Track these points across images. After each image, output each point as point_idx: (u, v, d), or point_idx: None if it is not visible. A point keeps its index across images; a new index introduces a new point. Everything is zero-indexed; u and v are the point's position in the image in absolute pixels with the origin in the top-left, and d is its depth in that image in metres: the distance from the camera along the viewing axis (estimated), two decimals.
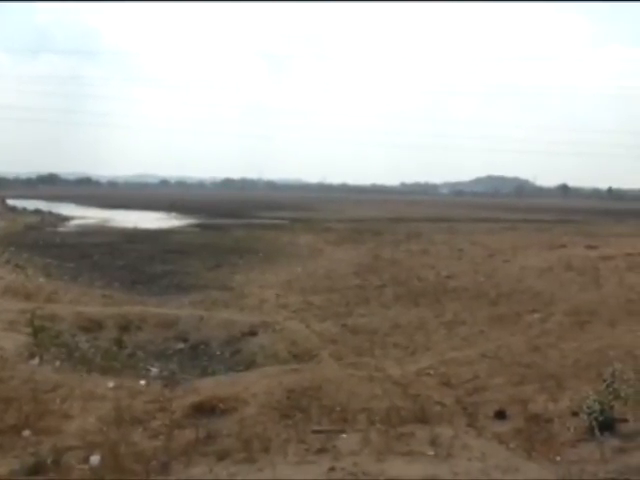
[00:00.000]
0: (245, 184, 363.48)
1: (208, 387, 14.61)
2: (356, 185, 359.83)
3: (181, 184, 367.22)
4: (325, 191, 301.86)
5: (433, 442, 9.95)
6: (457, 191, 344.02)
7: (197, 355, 20.88)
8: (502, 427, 11.56)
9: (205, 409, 12.74)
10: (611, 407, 10.66)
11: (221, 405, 12.90)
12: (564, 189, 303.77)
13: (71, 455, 10.32)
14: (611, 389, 10.83)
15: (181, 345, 21.63)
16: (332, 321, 24.50)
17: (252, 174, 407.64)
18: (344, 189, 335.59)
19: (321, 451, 9.89)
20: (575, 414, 11.39)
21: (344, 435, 10.68)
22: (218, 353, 21.00)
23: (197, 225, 76.84)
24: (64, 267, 38.35)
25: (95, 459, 10.11)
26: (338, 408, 12.62)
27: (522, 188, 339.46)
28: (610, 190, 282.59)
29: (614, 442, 9.92)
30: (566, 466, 9.01)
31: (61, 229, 68.20)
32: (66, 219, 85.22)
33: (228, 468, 9.46)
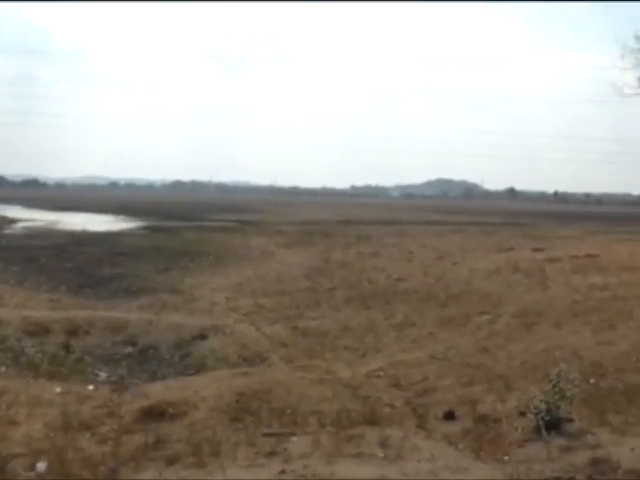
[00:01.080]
0: (195, 186, 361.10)
1: (157, 391, 14.48)
2: (307, 188, 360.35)
3: (131, 186, 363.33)
4: (276, 194, 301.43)
5: (383, 444, 9.99)
6: (407, 194, 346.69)
7: (146, 359, 20.65)
8: (451, 428, 11.66)
9: (154, 414, 12.61)
10: (557, 407, 10.84)
11: (170, 409, 12.79)
12: (511, 192, 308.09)
13: (17, 462, 10.11)
14: (557, 389, 11.00)
15: (130, 349, 21.37)
16: (283, 324, 24.49)
17: (203, 176, 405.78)
18: (295, 192, 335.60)
19: (271, 454, 9.86)
20: (522, 414, 11.55)
21: (294, 438, 10.66)
22: (168, 357, 20.81)
23: (147, 227, 76.04)
24: (9, 270, 37.57)
25: (42, 466, 9.92)
26: (288, 411, 12.61)
27: (470, 191, 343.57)
28: (556, 193, 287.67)
29: (560, 441, 10.09)
30: (514, 466, 9.12)
31: (7, 231, 66.83)
32: (12, 221, 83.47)
33: (178, 473, 9.37)
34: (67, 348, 20.47)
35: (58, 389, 14.53)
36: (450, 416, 12.50)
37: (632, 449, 9.38)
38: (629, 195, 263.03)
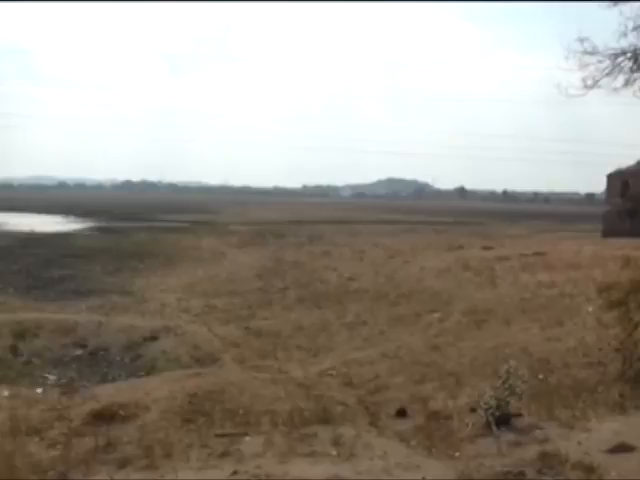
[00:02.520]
0: (146, 186, 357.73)
1: (108, 394, 14.32)
2: (258, 187, 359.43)
3: (80, 186, 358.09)
4: (227, 193, 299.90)
5: (336, 442, 10.01)
6: (359, 193, 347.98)
7: (96, 361, 20.44)
8: (403, 425, 11.74)
9: (105, 416, 12.46)
10: (507, 403, 10.99)
11: (121, 412, 12.66)
12: (461, 191, 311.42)
13: None
14: (507, 385, 11.15)
15: (80, 351, 21.13)
16: (235, 324, 24.42)
17: (153, 176, 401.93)
18: (246, 191, 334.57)
19: (224, 455, 9.81)
20: (473, 410, 11.69)
21: (247, 438, 10.63)
22: (118, 359, 20.63)
23: (96, 228, 75.19)
24: None
25: None
26: (241, 411, 12.58)
27: (421, 190, 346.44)
28: (505, 192, 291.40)
29: (510, 436, 10.23)
30: (465, 461, 9.22)
31: None
32: None
33: (129, 476, 9.27)
34: (15, 351, 20.16)
35: (6, 393, 14.30)
36: (402, 414, 12.60)
37: (579, 443, 9.55)
38: (576, 194, 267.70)
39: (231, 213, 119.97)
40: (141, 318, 25.01)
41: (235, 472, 8.86)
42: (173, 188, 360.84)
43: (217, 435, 10.88)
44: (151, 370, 18.60)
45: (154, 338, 21.86)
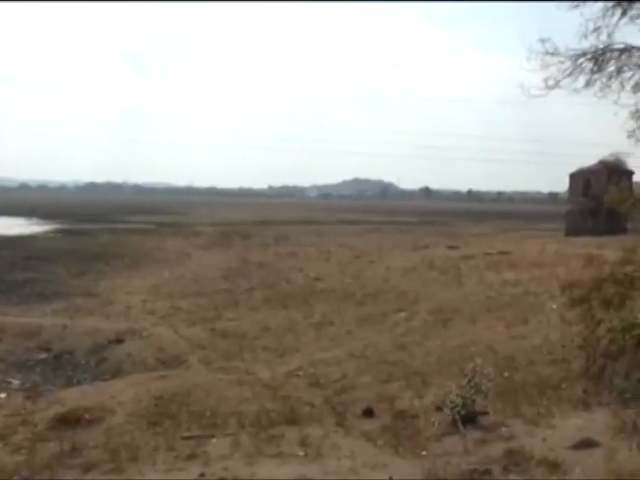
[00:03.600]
0: (110, 188, 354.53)
1: (73, 397, 14.19)
2: (224, 188, 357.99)
3: (42, 188, 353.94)
4: (193, 195, 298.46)
5: (303, 443, 10.02)
6: (325, 194, 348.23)
7: (61, 365, 20.24)
8: (370, 425, 11.77)
9: (70, 420, 12.35)
10: (473, 401, 11.07)
11: (87, 415, 12.55)
12: (426, 191, 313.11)
13: None
14: (472, 384, 11.24)
15: (44, 355, 20.91)
16: (201, 326, 24.32)
17: (117, 177, 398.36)
18: (212, 192, 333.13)
19: (191, 457, 9.76)
20: (439, 409, 11.76)
21: (214, 440, 10.59)
22: (83, 362, 20.44)
23: (60, 230, 74.35)
24: None
25: None
26: (208, 413, 12.53)
27: (387, 190, 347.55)
28: (469, 192, 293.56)
29: (476, 434, 10.31)
30: (432, 460, 9.27)
31: None
32: None
33: None
34: None
35: None
36: (369, 413, 12.63)
37: (544, 439, 9.65)
38: (540, 193, 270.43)
39: (197, 214, 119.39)
40: (106, 321, 24.82)
41: (202, 474, 8.83)
42: (138, 189, 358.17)
43: (183, 438, 10.83)
44: (117, 373, 18.47)
45: (119, 341, 21.71)
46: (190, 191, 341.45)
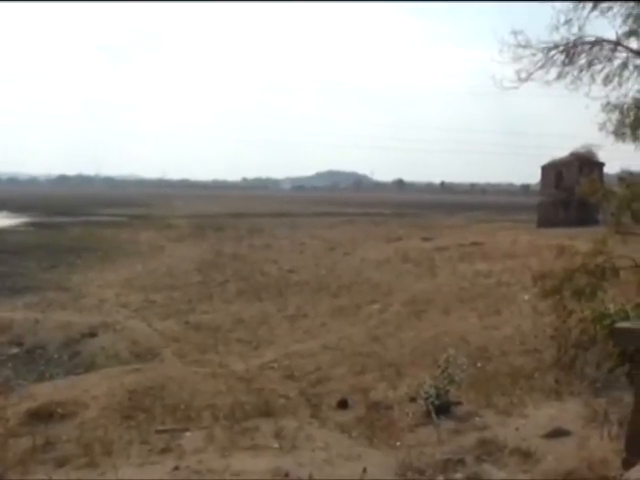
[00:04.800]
0: (81, 180, 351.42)
1: (45, 392, 14.08)
2: (197, 181, 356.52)
3: (12, 180, 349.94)
4: (165, 187, 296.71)
5: (277, 435, 10.02)
6: (298, 186, 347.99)
7: (33, 359, 20.06)
8: (345, 416, 11.81)
9: (42, 415, 12.25)
10: (446, 391, 11.14)
11: (60, 410, 12.46)
12: (400, 183, 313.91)
13: None
14: (446, 374, 11.31)
15: (15, 350, 20.72)
16: (174, 319, 24.24)
17: (89, 170, 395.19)
18: (185, 185, 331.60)
19: (165, 451, 9.73)
20: (413, 400, 11.82)
21: (188, 433, 10.56)
22: (56, 356, 20.28)
23: (31, 224, 73.61)
24: None
25: None
26: (182, 406, 12.50)
27: (360, 182, 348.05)
28: (442, 184, 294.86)
29: (450, 424, 10.37)
30: (405, 450, 9.31)
31: None
32: None
33: (68, 475, 9.13)
34: None
35: None
36: (343, 405, 12.68)
37: (517, 429, 9.73)
38: (512, 185, 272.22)
39: (170, 207, 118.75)
40: (79, 314, 24.63)
41: (176, 468, 8.80)
42: (110, 182, 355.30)
43: (157, 431, 10.79)
44: (90, 367, 18.34)
45: (92, 334, 21.57)
46: (163, 183, 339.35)
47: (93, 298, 28.47)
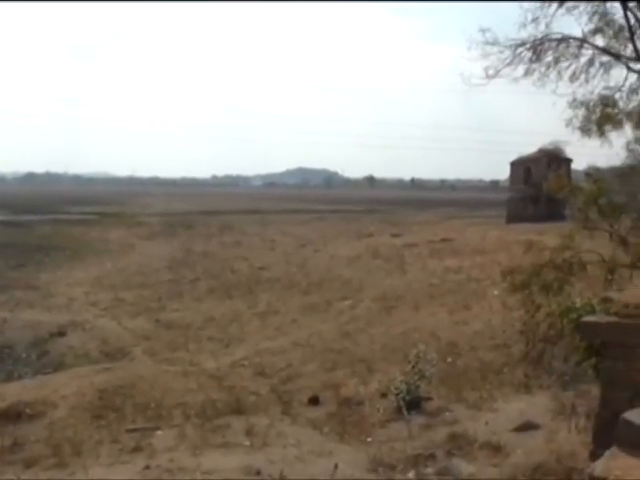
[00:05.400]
0: (50, 178, 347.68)
1: (13, 392, 13.96)
2: (167, 178, 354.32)
3: None
4: (135, 184, 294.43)
5: (249, 432, 10.01)
6: (269, 183, 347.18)
7: (1, 359, 19.89)
8: (316, 413, 11.84)
9: (11, 415, 12.15)
10: (417, 387, 11.21)
11: (28, 410, 12.36)
12: (370, 180, 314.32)
13: None
14: (416, 370, 11.38)
15: None
16: (145, 317, 24.12)
17: (57, 168, 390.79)
18: (155, 182, 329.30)
19: (136, 450, 9.69)
20: (384, 395, 11.87)
21: (159, 432, 10.52)
22: (24, 356, 20.10)
23: None
24: None
25: None
26: (153, 405, 12.45)
27: (331, 179, 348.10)
28: (413, 180, 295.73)
29: (420, 419, 10.44)
30: (377, 446, 9.36)
31: None
32: None
33: (37, 475, 9.05)
34: None
35: None
36: (314, 401, 12.70)
37: (487, 423, 9.81)
38: (482, 181, 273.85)
39: (139, 204, 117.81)
40: (48, 313, 24.42)
41: (147, 467, 8.76)
42: (78, 180, 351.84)
43: (128, 430, 10.74)
44: (59, 366, 18.21)
45: (61, 334, 21.42)
46: (132, 181, 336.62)
47: (62, 297, 28.23)
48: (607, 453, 3.06)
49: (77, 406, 12.41)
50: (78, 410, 12.24)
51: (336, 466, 8.21)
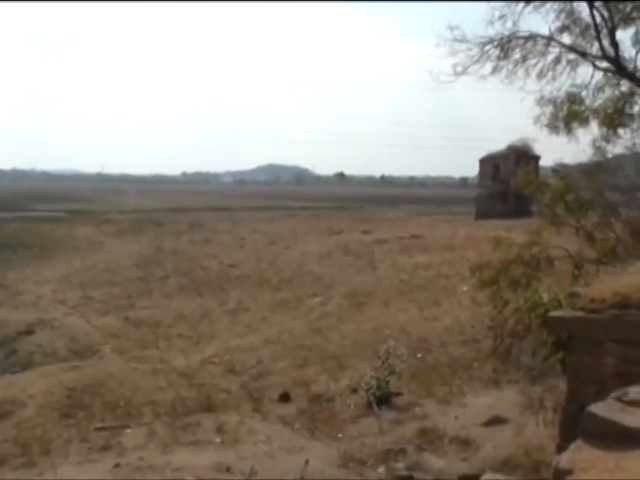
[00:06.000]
0: (17, 175, 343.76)
1: None
2: (136, 175, 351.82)
3: None
4: (104, 181, 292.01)
5: (219, 429, 10.01)
6: (239, 180, 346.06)
7: None
8: (286, 409, 11.86)
9: None
10: (387, 382, 11.28)
11: None
12: (341, 177, 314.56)
13: None
14: (386, 365, 11.45)
15: None
16: (114, 315, 23.95)
17: (25, 165, 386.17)
18: (124, 179, 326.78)
19: (105, 448, 9.64)
20: (355, 391, 11.93)
21: (129, 430, 10.48)
22: None
23: None
24: None
25: None
26: (122, 403, 12.39)
27: (302, 176, 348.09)
28: (383, 177, 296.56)
29: (391, 415, 10.51)
30: (347, 441, 9.41)
31: None
32: None
33: (5, 475, 8.98)
34: None
35: None
36: (285, 398, 12.72)
37: (456, 417, 9.91)
38: (451, 178, 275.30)
39: (108, 201, 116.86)
40: (15, 312, 24.16)
41: (117, 465, 8.72)
42: (46, 176, 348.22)
43: (97, 429, 10.69)
44: (27, 365, 18.02)
45: (29, 332, 21.20)
46: (101, 178, 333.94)
47: (30, 295, 27.93)
48: (572, 446, 3.10)
49: (45, 405, 12.31)
50: (46, 409, 12.14)
51: (307, 462, 8.24)
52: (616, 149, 18.01)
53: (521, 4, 16.66)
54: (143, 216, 71.06)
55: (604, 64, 17.43)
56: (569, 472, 2.77)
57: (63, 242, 48.42)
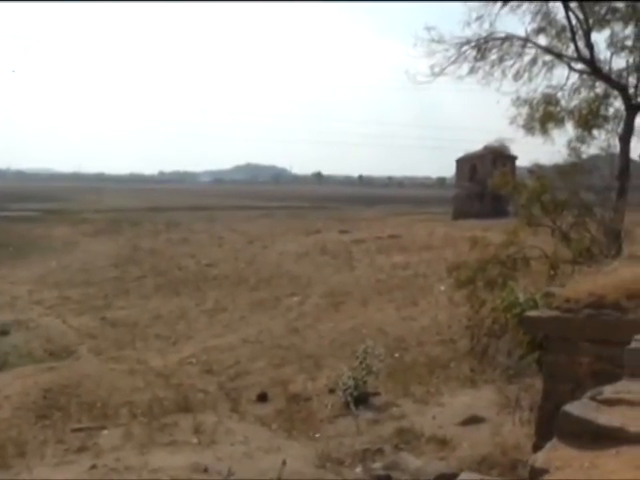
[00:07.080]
0: None
1: None
2: (113, 174, 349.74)
3: None
4: (80, 181, 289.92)
5: (197, 430, 9.97)
6: (217, 179, 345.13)
7: None
8: (264, 409, 11.85)
9: None
10: (364, 382, 11.30)
11: None
12: (318, 177, 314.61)
13: None
14: (364, 365, 11.47)
15: None
16: (90, 315, 23.80)
17: None
18: (100, 179, 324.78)
19: (81, 449, 9.57)
20: (332, 391, 11.95)
21: (105, 431, 10.41)
22: None
23: None
24: None
25: None
26: (99, 404, 12.32)
27: (279, 176, 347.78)
28: (360, 177, 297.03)
29: (368, 415, 10.53)
30: (325, 441, 9.42)
31: None
32: None
33: None
34: None
35: None
36: (263, 398, 12.72)
37: (434, 417, 9.95)
38: (428, 178, 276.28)
39: (84, 201, 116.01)
40: None
41: (93, 466, 8.67)
42: (21, 176, 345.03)
43: (73, 430, 10.61)
44: (2, 366, 17.84)
45: (4, 333, 21.03)
46: (77, 177, 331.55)
47: (5, 295, 27.68)
48: (548, 445, 3.12)
49: (21, 406, 12.21)
50: (22, 410, 12.04)
51: (284, 462, 8.23)
52: (591, 150, 18.22)
53: (498, 5, 16.82)
54: (120, 215, 70.68)
55: (580, 66, 17.62)
56: (545, 471, 2.80)
57: (39, 242, 48.03)
